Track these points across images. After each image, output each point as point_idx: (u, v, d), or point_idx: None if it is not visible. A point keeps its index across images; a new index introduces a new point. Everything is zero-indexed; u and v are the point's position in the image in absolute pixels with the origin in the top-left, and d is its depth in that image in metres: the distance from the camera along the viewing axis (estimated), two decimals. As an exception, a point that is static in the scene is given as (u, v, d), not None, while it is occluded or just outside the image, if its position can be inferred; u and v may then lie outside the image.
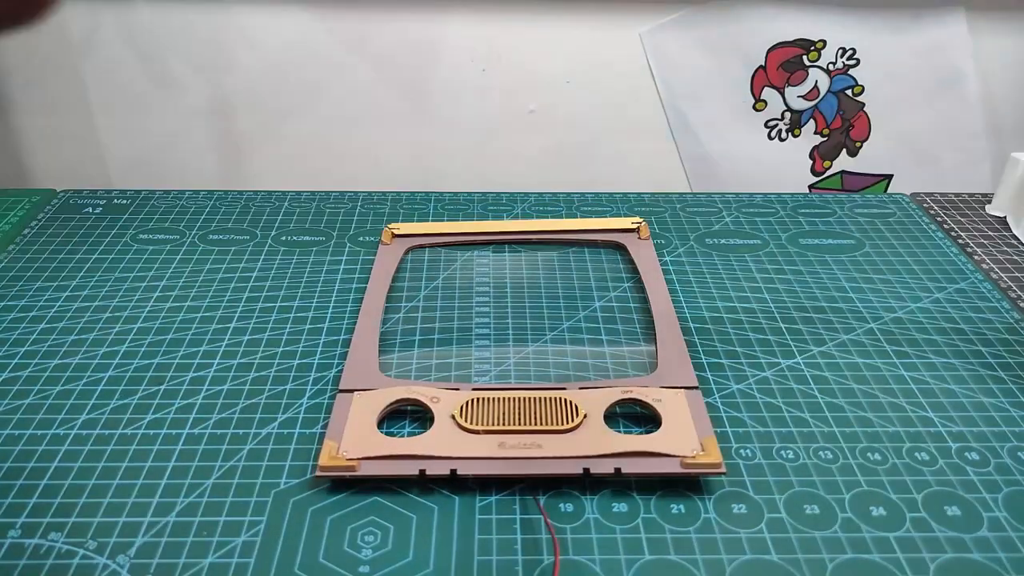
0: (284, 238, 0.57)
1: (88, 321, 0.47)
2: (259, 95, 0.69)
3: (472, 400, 0.39)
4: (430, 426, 0.38)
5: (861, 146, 0.73)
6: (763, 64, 0.69)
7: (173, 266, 0.53)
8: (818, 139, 0.72)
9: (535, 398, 0.39)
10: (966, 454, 0.39)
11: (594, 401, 0.39)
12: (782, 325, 0.48)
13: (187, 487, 0.36)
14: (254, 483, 0.36)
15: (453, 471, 0.36)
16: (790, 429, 0.40)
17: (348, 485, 0.36)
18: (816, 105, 0.71)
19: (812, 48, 0.68)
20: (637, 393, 0.40)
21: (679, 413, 0.38)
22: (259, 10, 0.65)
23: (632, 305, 0.50)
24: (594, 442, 0.37)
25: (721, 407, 0.42)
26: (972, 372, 0.44)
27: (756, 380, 0.44)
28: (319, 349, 0.46)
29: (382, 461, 0.36)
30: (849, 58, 0.68)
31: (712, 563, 0.33)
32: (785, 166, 0.74)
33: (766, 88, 0.70)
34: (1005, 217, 0.61)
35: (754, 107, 0.71)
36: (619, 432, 0.38)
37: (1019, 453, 0.39)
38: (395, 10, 0.66)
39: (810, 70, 0.69)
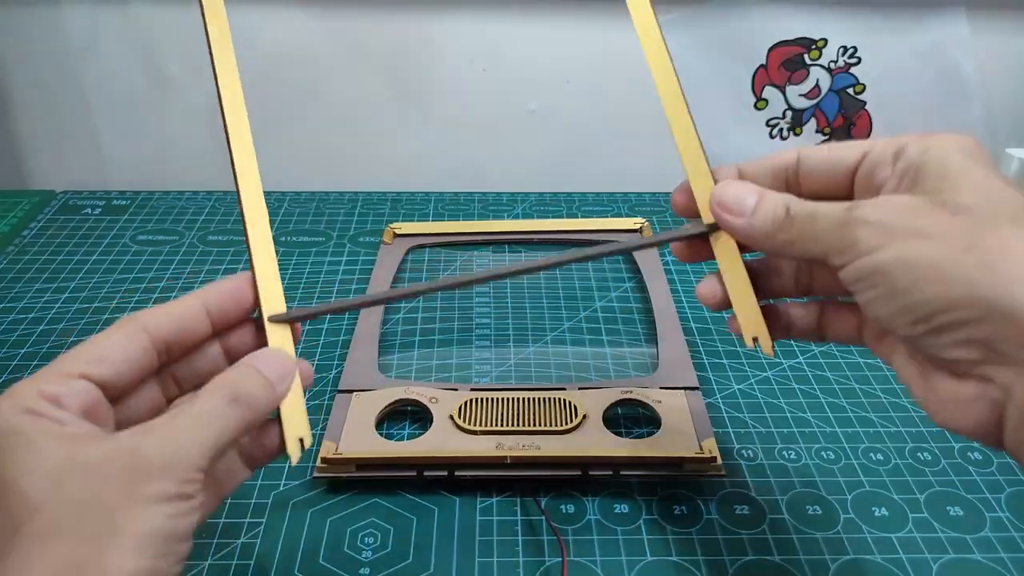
0: (284, 238, 0.57)
1: (88, 322, 0.47)
2: (259, 95, 0.68)
3: (470, 401, 0.39)
4: (430, 427, 0.38)
5: (862, 145, 0.72)
6: (764, 63, 0.69)
7: (172, 267, 0.53)
8: (820, 138, 0.72)
9: (533, 398, 0.39)
10: (969, 454, 0.39)
11: (593, 401, 0.39)
12: (783, 325, 0.48)
13: (186, 489, 0.36)
14: (253, 485, 0.36)
15: (450, 472, 0.36)
16: (792, 429, 0.40)
17: (348, 487, 0.36)
18: (818, 104, 0.71)
19: (813, 47, 0.68)
20: (637, 394, 0.40)
21: (679, 414, 0.38)
22: (259, 10, 0.65)
23: (633, 305, 0.50)
24: (592, 443, 0.37)
25: (723, 407, 0.41)
26: (975, 372, 0.44)
27: (758, 380, 0.44)
28: (319, 350, 0.45)
29: (379, 462, 0.36)
30: (850, 56, 0.68)
31: (714, 564, 0.33)
32: (786, 165, 0.73)
33: (767, 87, 0.70)
34: None
35: (755, 106, 0.71)
36: (619, 433, 0.38)
37: (1022, 453, 0.39)
38: (395, 10, 0.65)
39: (811, 68, 0.69)
